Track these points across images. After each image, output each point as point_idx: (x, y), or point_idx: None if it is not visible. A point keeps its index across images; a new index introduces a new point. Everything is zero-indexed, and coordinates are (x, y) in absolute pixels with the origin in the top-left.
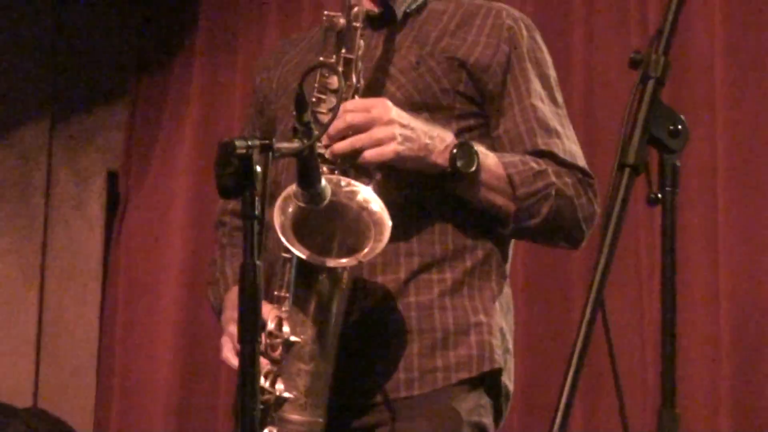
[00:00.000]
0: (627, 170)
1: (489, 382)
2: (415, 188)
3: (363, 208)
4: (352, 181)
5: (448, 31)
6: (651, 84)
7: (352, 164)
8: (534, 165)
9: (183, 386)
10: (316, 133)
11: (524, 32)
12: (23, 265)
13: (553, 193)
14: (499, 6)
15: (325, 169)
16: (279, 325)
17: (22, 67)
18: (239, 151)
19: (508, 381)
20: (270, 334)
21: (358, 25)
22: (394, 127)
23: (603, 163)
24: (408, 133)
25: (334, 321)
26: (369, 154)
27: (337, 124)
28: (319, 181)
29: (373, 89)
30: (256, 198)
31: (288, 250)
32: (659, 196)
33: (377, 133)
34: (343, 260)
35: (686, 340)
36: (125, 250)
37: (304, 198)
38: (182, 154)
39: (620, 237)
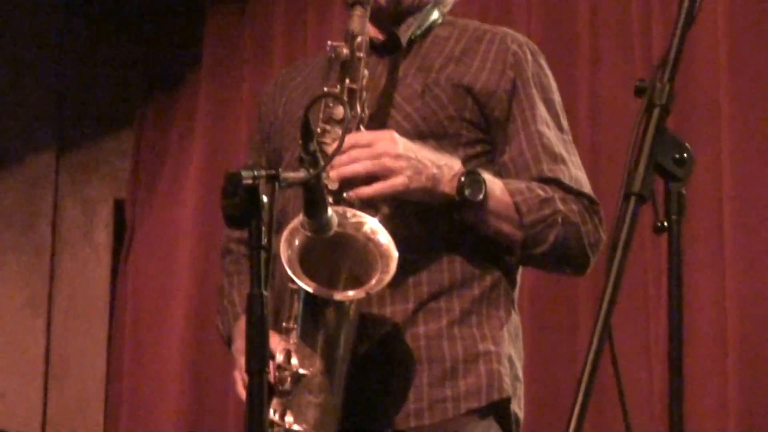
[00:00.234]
0: (633, 199)
1: (499, 410)
2: (422, 219)
3: (370, 239)
4: (359, 213)
5: (453, 57)
6: (656, 112)
7: (359, 197)
8: (540, 192)
9: (191, 414)
10: (322, 163)
11: (529, 57)
12: (30, 294)
13: (560, 220)
14: (503, 31)
15: (330, 200)
16: (288, 358)
17: (28, 95)
18: (246, 181)
19: (518, 409)
20: (279, 367)
21: (361, 55)
22: (402, 160)
23: (608, 189)
24: (416, 164)
25: (343, 352)
26: (378, 188)
27: (343, 160)
28: (326, 210)
29: (379, 118)
30: (263, 228)
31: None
32: (665, 224)
33: (385, 166)
34: (351, 293)
35: (693, 369)
36: (132, 278)
37: (311, 227)
38: (188, 182)
39: (627, 264)
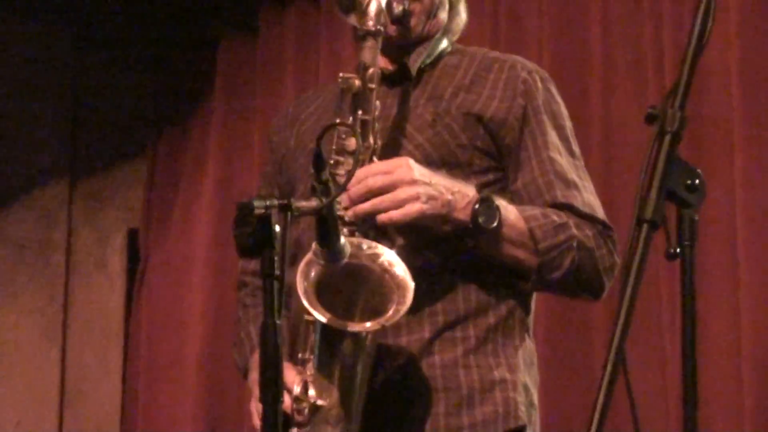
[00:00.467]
0: (645, 226)
1: None
2: (437, 248)
3: (386, 270)
4: (374, 244)
5: (463, 86)
6: (668, 139)
7: (373, 225)
8: (555, 218)
9: None
10: (334, 192)
11: (539, 84)
12: (45, 323)
13: (575, 245)
14: (513, 59)
15: (345, 231)
16: (305, 389)
17: (41, 126)
18: (258, 211)
19: None
20: (296, 398)
21: (373, 86)
22: (418, 186)
23: (621, 215)
24: (431, 191)
25: (359, 383)
26: (394, 215)
27: (359, 190)
28: (339, 239)
29: (391, 149)
30: (275, 257)
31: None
32: (677, 251)
33: (401, 194)
34: (367, 324)
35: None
36: (146, 306)
37: (324, 256)
38: (201, 211)
39: (640, 290)
